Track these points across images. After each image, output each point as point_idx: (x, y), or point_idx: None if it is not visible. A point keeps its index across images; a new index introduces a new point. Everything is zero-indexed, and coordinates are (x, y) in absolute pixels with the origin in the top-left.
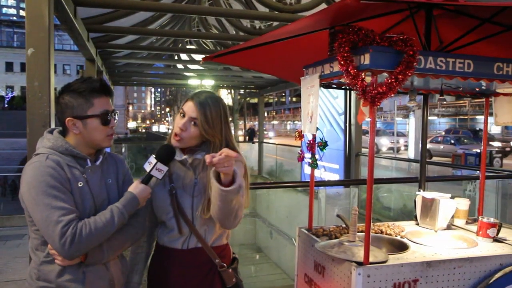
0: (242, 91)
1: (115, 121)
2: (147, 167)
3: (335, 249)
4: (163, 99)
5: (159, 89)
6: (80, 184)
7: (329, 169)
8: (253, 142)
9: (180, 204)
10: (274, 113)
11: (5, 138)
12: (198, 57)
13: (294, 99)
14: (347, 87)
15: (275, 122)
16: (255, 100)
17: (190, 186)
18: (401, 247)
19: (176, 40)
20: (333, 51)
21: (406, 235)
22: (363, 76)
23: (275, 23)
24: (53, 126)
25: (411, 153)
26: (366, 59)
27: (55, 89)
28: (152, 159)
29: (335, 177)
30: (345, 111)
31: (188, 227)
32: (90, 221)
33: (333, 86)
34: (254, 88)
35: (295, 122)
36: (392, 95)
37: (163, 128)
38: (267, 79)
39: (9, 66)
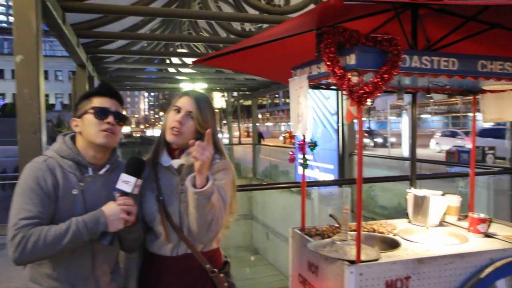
0: (235, 94)
1: (115, 122)
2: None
3: (327, 248)
4: (156, 103)
5: (152, 94)
6: (75, 191)
7: (323, 169)
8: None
9: (167, 211)
10: (268, 115)
11: None
12: (190, 60)
13: (287, 100)
14: (336, 88)
15: (269, 123)
16: (248, 102)
17: (177, 192)
18: (393, 244)
19: (167, 44)
20: (320, 52)
21: (398, 233)
22: (350, 76)
23: (265, 25)
24: (44, 133)
25: (405, 152)
26: (352, 59)
27: (47, 95)
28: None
29: (330, 177)
30: (337, 111)
31: (177, 234)
32: (42, 230)
33: (322, 86)
34: (247, 90)
35: (289, 123)
36: (379, 94)
37: (157, 132)
38: (260, 81)
39: (0, 73)
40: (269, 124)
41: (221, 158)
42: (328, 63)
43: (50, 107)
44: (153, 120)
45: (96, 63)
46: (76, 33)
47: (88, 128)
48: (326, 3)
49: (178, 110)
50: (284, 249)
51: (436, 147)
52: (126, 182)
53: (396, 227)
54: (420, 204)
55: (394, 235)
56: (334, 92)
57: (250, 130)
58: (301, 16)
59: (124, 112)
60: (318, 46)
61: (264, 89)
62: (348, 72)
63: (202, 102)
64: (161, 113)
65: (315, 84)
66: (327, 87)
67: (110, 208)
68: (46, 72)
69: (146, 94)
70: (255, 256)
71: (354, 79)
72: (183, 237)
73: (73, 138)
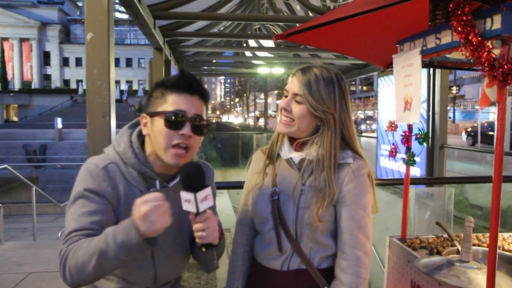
0: None
1: (193, 132)
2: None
3: (444, 271)
4: (232, 90)
5: (228, 80)
6: None
7: None
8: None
9: (282, 214)
10: None
11: None
12: (268, 43)
13: (365, 87)
14: (453, 67)
15: None
16: None
17: (295, 193)
18: None
19: (245, 27)
20: (436, 20)
21: None
22: (490, 46)
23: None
24: (113, 116)
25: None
26: (495, 23)
27: (131, 81)
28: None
29: (416, 171)
30: (428, 98)
31: (290, 244)
32: (77, 247)
33: (435, 64)
34: None
35: (366, 111)
36: None
37: (232, 118)
38: (339, 66)
39: None
40: None
41: (354, 157)
42: (460, 28)
43: (133, 93)
44: (228, 106)
45: (173, 47)
46: (153, 14)
47: (158, 137)
48: None
49: (286, 95)
50: None
51: None
52: (188, 201)
53: None
54: None
55: None
56: (425, 75)
57: None
58: None
59: (207, 112)
60: (433, 13)
61: (345, 75)
62: (487, 41)
63: (313, 78)
64: (237, 100)
65: (428, 61)
66: (442, 64)
67: (141, 210)
68: (130, 60)
69: (222, 80)
70: None
71: (497, 50)
72: (297, 249)
73: (141, 136)
